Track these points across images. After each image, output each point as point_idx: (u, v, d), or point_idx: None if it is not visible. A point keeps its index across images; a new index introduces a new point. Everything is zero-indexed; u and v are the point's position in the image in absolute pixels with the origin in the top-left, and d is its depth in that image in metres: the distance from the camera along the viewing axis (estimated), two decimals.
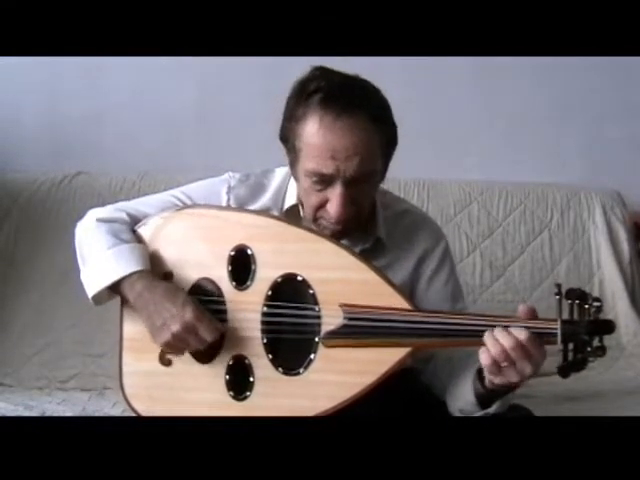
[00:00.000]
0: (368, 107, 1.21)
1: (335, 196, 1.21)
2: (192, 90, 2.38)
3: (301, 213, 1.32)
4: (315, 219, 1.27)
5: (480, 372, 1.18)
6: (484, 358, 1.10)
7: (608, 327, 1.09)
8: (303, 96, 1.22)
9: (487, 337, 1.10)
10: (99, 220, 1.33)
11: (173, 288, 1.24)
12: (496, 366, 1.09)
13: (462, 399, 1.23)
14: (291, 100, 1.25)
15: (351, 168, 1.19)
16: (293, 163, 1.27)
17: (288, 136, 1.25)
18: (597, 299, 1.10)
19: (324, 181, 1.21)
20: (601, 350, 1.08)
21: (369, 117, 1.20)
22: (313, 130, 1.19)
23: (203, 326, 1.19)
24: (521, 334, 1.08)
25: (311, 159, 1.20)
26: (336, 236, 1.27)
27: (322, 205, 1.24)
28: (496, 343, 1.08)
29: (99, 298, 1.29)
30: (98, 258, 1.28)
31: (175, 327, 1.18)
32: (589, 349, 1.08)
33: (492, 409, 1.19)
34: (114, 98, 2.35)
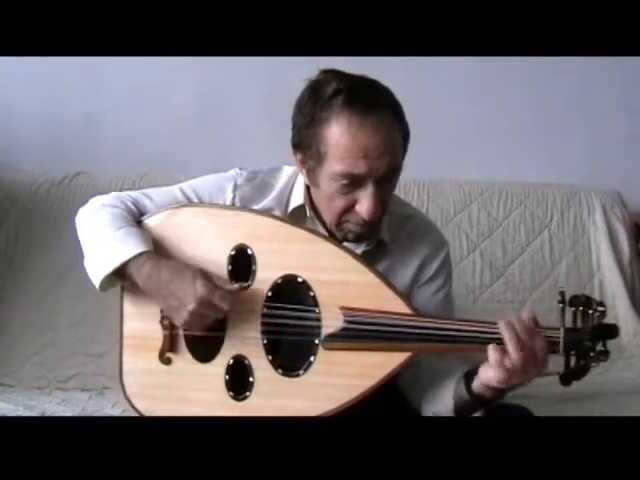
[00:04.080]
0: (390, 105, 1.21)
1: (367, 196, 1.20)
2: (192, 90, 2.38)
3: (307, 213, 1.31)
4: (339, 223, 1.26)
5: (467, 376, 1.18)
6: (500, 372, 1.07)
7: (612, 332, 1.09)
8: (321, 100, 1.20)
9: (509, 337, 1.08)
10: (104, 205, 1.31)
11: (179, 264, 1.22)
12: (509, 378, 1.08)
13: (440, 403, 1.22)
14: (306, 105, 1.22)
15: (382, 167, 1.19)
16: (314, 169, 1.24)
17: (309, 142, 1.22)
18: (601, 304, 1.09)
19: (354, 182, 1.20)
20: (604, 355, 1.08)
21: (392, 114, 1.21)
22: (341, 132, 1.18)
23: (217, 296, 1.16)
24: (537, 342, 1.07)
25: (340, 161, 1.19)
26: (357, 238, 1.27)
27: (349, 208, 1.23)
28: (517, 346, 1.07)
29: (105, 283, 1.25)
30: (104, 240, 1.24)
31: (191, 305, 1.16)
32: (592, 354, 1.08)
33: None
34: (114, 98, 2.35)
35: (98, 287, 1.25)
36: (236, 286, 1.21)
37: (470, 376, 1.17)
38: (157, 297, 1.22)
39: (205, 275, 1.19)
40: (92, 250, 1.27)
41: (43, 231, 2.13)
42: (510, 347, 1.07)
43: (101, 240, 1.25)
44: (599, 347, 1.08)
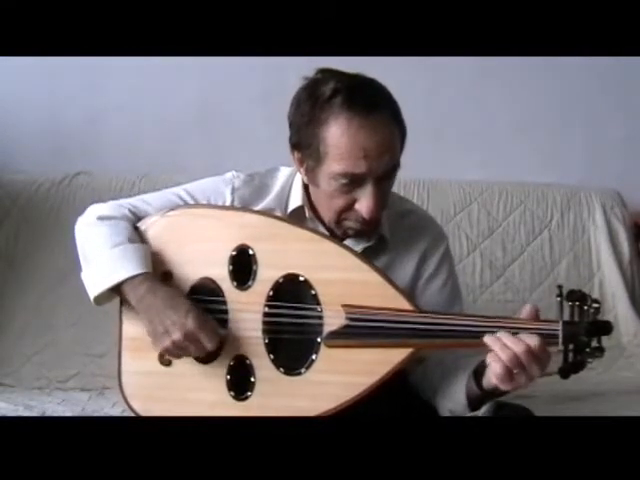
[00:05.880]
0: (388, 103, 1.22)
1: (367, 195, 1.21)
2: (192, 90, 2.38)
3: (307, 214, 1.32)
4: (339, 221, 1.27)
5: (476, 373, 1.18)
6: (496, 368, 1.07)
7: (607, 328, 1.10)
8: (319, 100, 1.20)
9: (493, 343, 1.09)
10: (101, 218, 1.31)
11: (176, 294, 1.23)
12: (509, 374, 1.08)
13: (453, 400, 1.23)
14: (304, 105, 1.23)
15: (382, 166, 1.20)
16: (313, 168, 1.24)
17: (307, 141, 1.22)
18: (596, 300, 1.10)
19: (354, 182, 1.21)
20: (599, 351, 1.08)
21: (390, 113, 1.21)
22: (341, 131, 1.18)
23: (204, 335, 1.18)
24: (532, 340, 1.07)
25: (340, 161, 1.19)
26: (357, 235, 1.27)
27: (349, 207, 1.24)
28: (505, 348, 1.07)
29: (101, 299, 1.27)
30: (101, 257, 1.26)
31: (176, 335, 1.17)
32: (588, 350, 1.08)
33: (481, 412, 1.19)
34: (114, 99, 2.35)
35: (93, 302, 1.27)
36: (224, 332, 1.22)
37: (480, 371, 1.17)
38: (144, 318, 1.22)
39: (199, 312, 1.20)
40: (89, 266, 1.29)
41: (43, 231, 2.13)
42: (503, 357, 1.07)
43: (98, 257, 1.26)
44: (594, 343, 1.08)
